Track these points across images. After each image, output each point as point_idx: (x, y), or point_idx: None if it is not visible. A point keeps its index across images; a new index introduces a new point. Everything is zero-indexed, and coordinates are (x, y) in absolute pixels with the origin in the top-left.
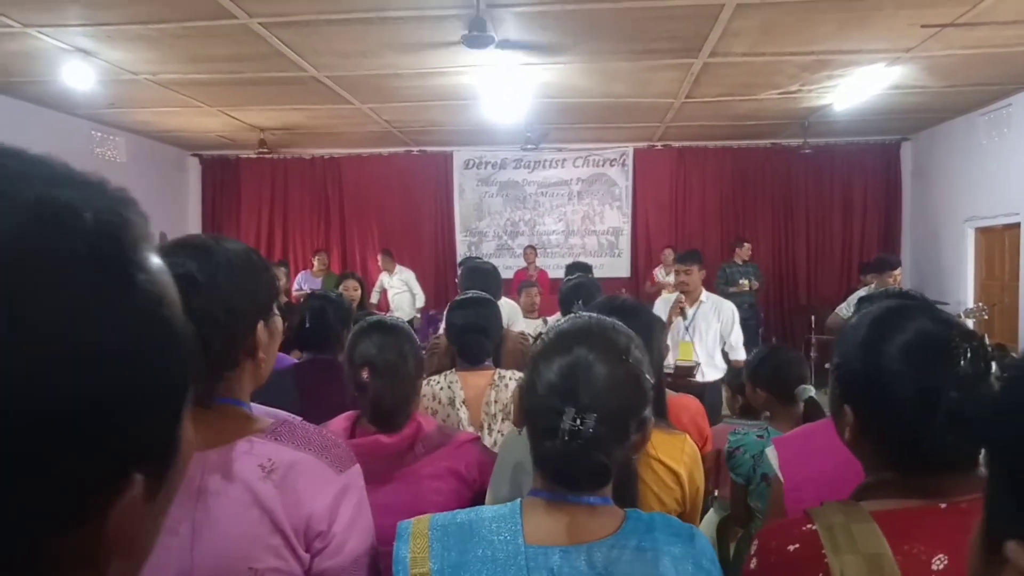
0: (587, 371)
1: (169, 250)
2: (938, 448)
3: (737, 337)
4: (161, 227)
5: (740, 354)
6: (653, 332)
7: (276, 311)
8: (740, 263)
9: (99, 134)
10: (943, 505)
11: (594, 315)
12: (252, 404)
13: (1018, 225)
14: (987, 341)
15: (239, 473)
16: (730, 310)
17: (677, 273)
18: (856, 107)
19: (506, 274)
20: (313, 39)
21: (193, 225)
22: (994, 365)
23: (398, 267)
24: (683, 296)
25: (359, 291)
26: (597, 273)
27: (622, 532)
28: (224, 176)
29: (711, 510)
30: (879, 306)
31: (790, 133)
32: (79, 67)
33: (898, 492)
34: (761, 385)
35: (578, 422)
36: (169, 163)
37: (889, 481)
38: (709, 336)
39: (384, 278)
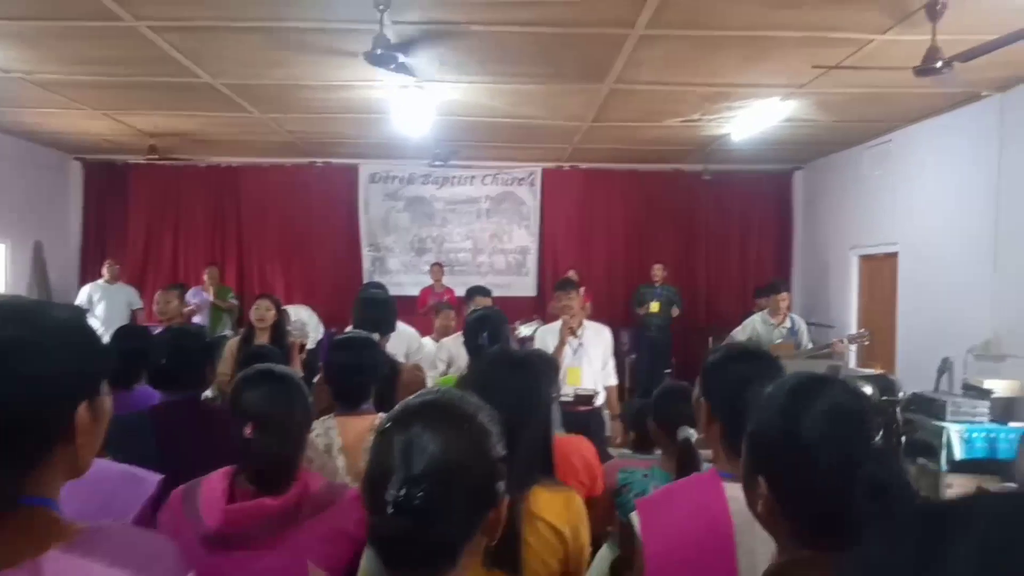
0: (422, 440)
1: None
2: (854, 519)
3: (612, 363)
4: (39, 235)
5: (612, 379)
6: (542, 384)
7: (105, 390)
8: (655, 285)
9: None
10: None
11: (442, 388)
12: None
13: (896, 254)
14: (898, 416)
15: None
16: (608, 335)
17: (558, 299)
18: (753, 137)
19: (413, 291)
20: (209, 45)
21: (75, 233)
22: (903, 439)
23: (293, 308)
24: (568, 319)
25: (273, 311)
26: (504, 292)
27: None
28: (110, 182)
29: (605, 546)
30: (792, 377)
31: (692, 159)
32: None
33: (810, 570)
34: (656, 420)
35: (403, 491)
36: (48, 166)
37: (805, 560)
38: (596, 360)
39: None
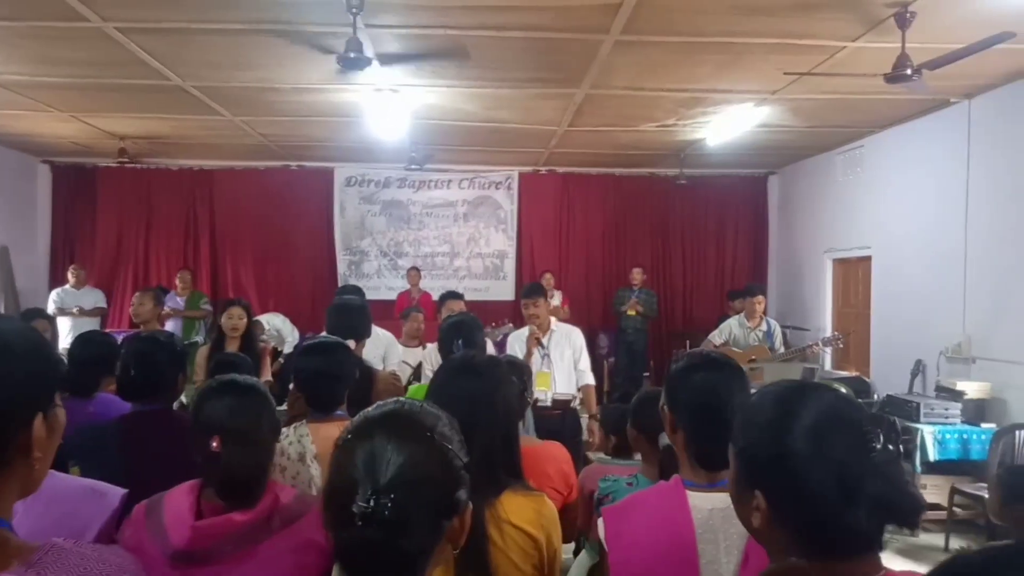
0: (385, 453)
1: None
2: (855, 532)
3: (586, 362)
4: (5, 240)
5: (588, 378)
6: (498, 390)
7: (58, 402)
8: (634, 288)
9: None
10: None
11: (403, 399)
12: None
13: (869, 258)
14: (896, 424)
15: None
16: (579, 336)
17: (525, 307)
18: (728, 142)
19: (389, 295)
20: (179, 48)
21: (43, 237)
22: (901, 447)
23: (268, 317)
24: (535, 328)
25: (245, 319)
26: (482, 296)
27: None
28: (79, 185)
29: (583, 551)
30: (781, 385)
31: (667, 164)
32: None
33: None
34: (636, 426)
35: (372, 502)
36: (15, 170)
37: (796, 568)
38: (564, 363)
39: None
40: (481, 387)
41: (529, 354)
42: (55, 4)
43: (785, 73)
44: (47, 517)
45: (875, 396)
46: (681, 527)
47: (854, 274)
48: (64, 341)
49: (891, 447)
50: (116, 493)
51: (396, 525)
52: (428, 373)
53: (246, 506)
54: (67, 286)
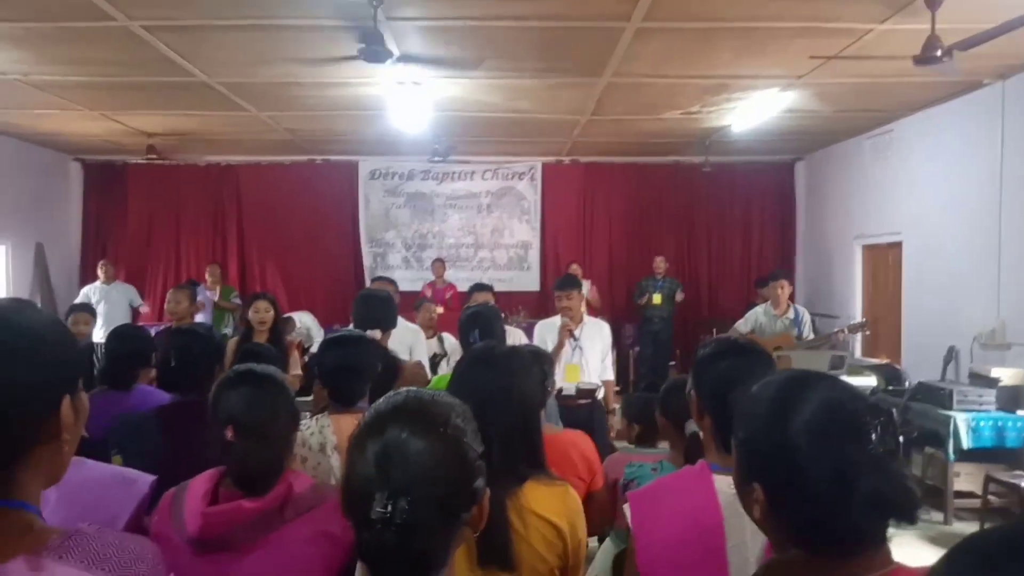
0: (400, 450)
1: None
2: (853, 527)
3: (609, 357)
4: (38, 237)
5: (609, 374)
6: (516, 380)
7: (82, 388)
8: (657, 277)
9: None
10: None
11: (413, 389)
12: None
13: (900, 244)
14: (895, 416)
15: None
16: (608, 331)
17: (559, 299)
18: (753, 128)
19: (414, 287)
20: (203, 45)
21: (75, 234)
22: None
23: (298, 315)
24: (568, 320)
25: (272, 312)
26: (507, 287)
27: None
28: (110, 182)
29: (607, 540)
30: (780, 376)
31: (692, 151)
32: None
33: (806, 572)
34: (664, 413)
35: (389, 507)
36: (48, 168)
37: (799, 561)
38: (594, 356)
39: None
40: (498, 378)
41: (561, 345)
42: (81, 4)
43: (811, 57)
44: (78, 505)
45: (906, 383)
46: (707, 511)
47: (884, 260)
48: (94, 336)
49: (889, 439)
50: (145, 480)
51: (413, 526)
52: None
53: (259, 494)
54: (97, 282)
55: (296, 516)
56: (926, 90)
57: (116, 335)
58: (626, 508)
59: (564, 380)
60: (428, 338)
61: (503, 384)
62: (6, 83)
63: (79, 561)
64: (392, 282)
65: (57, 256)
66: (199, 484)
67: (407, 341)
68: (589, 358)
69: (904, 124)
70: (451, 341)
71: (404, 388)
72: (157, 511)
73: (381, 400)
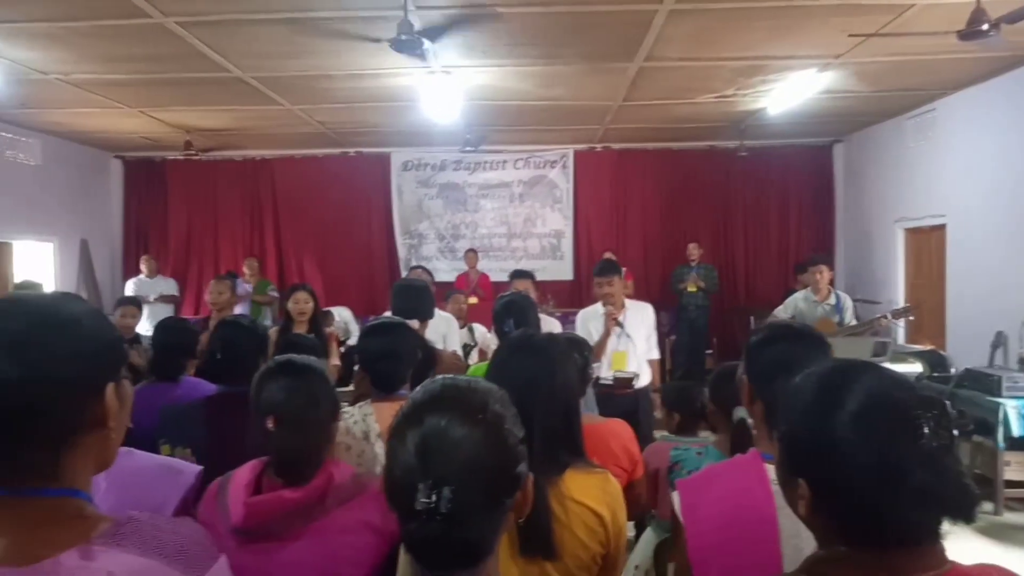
0: (440, 439)
1: (3, 307)
2: (903, 525)
3: (654, 337)
4: (82, 233)
5: (654, 353)
6: (557, 368)
7: (125, 375)
8: (691, 264)
9: (10, 136)
10: None
11: (449, 376)
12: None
13: (944, 226)
14: (948, 408)
15: None
16: (651, 311)
17: (599, 286)
18: (790, 111)
19: (448, 277)
20: (237, 39)
21: (116, 230)
22: (956, 432)
23: (336, 310)
24: (610, 307)
25: (311, 303)
26: (540, 276)
27: None
28: (149, 178)
29: (648, 529)
30: (824, 366)
31: (727, 136)
32: None
33: (853, 568)
34: (713, 399)
35: (433, 497)
36: (89, 165)
37: (843, 556)
38: (640, 341)
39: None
40: (539, 365)
41: (607, 335)
42: (117, 1)
43: (850, 35)
44: (127, 495)
45: (952, 370)
46: (760, 500)
47: (927, 244)
48: (140, 328)
49: (943, 433)
50: (192, 470)
51: (458, 518)
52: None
53: (300, 484)
54: (141, 276)
55: (337, 505)
56: (971, 66)
57: (162, 327)
58: (674, 496)
59: (611, 368)
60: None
61: (545, 371)
62: (48, 83)
63: (135, 547)
64: (428, 271)
65: (101, 252)
66: (242, 474)
67: (441, 330)
68: (637, 342)
69: (947, 103)
70: (481, 331)
71: (441, 376)
72: (203, 501)
73: (418, 389)
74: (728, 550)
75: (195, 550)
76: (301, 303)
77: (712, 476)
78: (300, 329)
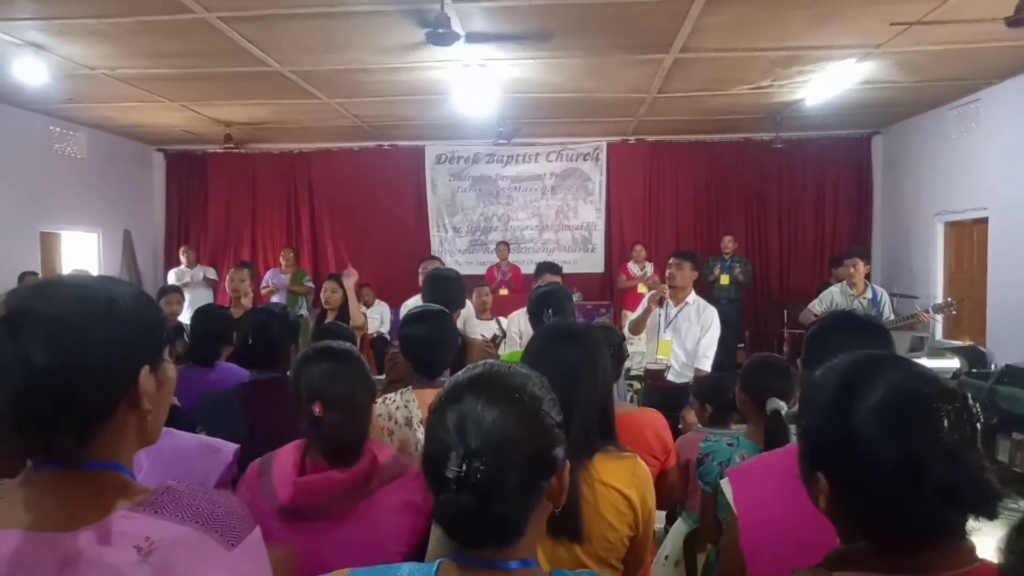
0: (476, 416)
1: (41, 289)
2: (924, 521)
3: (707, 345)
4: (126, 224)
5: (705, 364)
6: (598, 356)
7: (167, 359)
8: (725, 257)
9: (58, 129)
10: None
11: (491, 362)
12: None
13: (986, 220)
14: (971, 401)
15: (109, 559)
16: (711, 316)
17: (669, 265)
18: (828, 102)
19: (480, 269)
20: (276, 34)
21: (159, 221)
22: (979, 426)
23: (377, 301)
24: (667, 288)
25: (339, 292)
26: (571, 268)
27: None
28: (190, 171)
29: (679, 519)
30: (845, 359)
31: (762, 128)
32: (32, 62)
33: (876, 565)
34: (745, 390)
35: (464, 467)
36: (133, 158)
37: (866, 552)
38: (689, 338)
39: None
40: (580, 353)
41: (648, 311)
42: None
43: (891, 24)
44: (168, 472)
45: (992, 366)
46: None
47: (968, 237)
48: (183, 316)
49: (963, 427)
50: (229, 449)
51: (489, 489)
52: (516, 340)
53: (346, 465)
54: (181, 266)
55: (381, 486)
56: (1017, 55)
57: (200, 314)
58: (724, 485)
59: (656, 354)
60: (485, 320)
61: (585, 360)
62: (95, 78)
63: (173, 515)
64: (439, 260)
65: (143, 242)
66: (287, 455)
67: (459, 321)
68: (684, 338)
69: (992, 92)
70: (507, 323)
71: (482, 362)
72: (244, 481)
73: (459, 373)
74: (781, 540)
75: (231, 520)
76: (328, 292)
77: (761, 465)
78: (330, 318)
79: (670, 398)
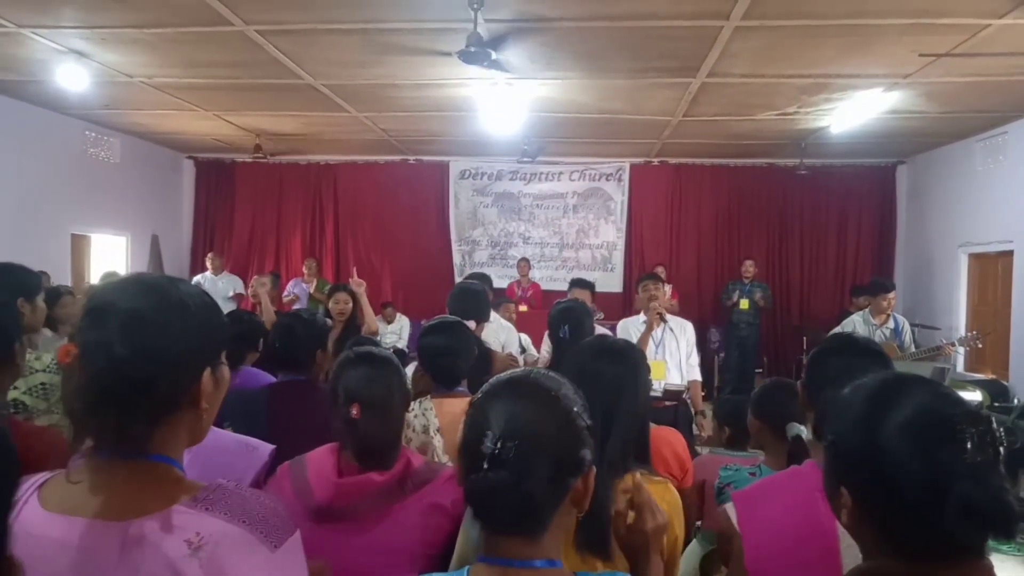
0: (512, 408)
1: (121, 286)
2: (945, 538)
3: (695, 357)
4: (154, 229)
5: (696, 374)
6: (639, 373)
7: (224, 361)
8: (745, 281)
9: (93, 135)
10: None
11: (531, 369)
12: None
13: (1011, 252)
14: (995, 425)
15: (164, 550)
16: (691, 329)
17: (646, 288)
18: (853, 130)
19: (500, 284)
20: (310, 48)
21: (187, 227)
22: (1002, 449)
23: (398, 315)
24: (656, 304)
25: (350, 304)
26: None
27: None
28: (219, 179)
29: (694, 541)
30: (873, 378)
31: (787, 153)
32: (74, 69)
33: None
34: (760, 416)
35: (499, 445)
36: (164, 165)
37: (887, 568)
38: (679, 354)
39: (381, 326)
40: (624, 371)
41: (650, 328)
42: (203, 9)
43: (920, 55)
44: (208, 467)
45: (1015, 400)
46: (820, 511)
47: (993, 270)
48: None
49: (987, 448)
50: (266, 448)
51: (520, 468)
52: (534, 353)
53: (381, 468)
54: (206, 273)
55: (414, 490)
56: None
57: (233, 318)
58: (729, 508)
59: (651, 376)
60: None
61: (627, 374)
62: (132, 85)
63: (222, 512)
64: (486, 277)
65: (170, 247)
66: (324, 456)
67: (501, 338)
68: (675, 355)
69: (1020, 125)
70: (527, 339)
71: (521, 368)
72: (274, 481)
73: (502, 374)
74: (787, 561)
75: (275, 521)
76: (341, 303)
77: (767, 487)
78: (337, 329)
79: (667, 418)
